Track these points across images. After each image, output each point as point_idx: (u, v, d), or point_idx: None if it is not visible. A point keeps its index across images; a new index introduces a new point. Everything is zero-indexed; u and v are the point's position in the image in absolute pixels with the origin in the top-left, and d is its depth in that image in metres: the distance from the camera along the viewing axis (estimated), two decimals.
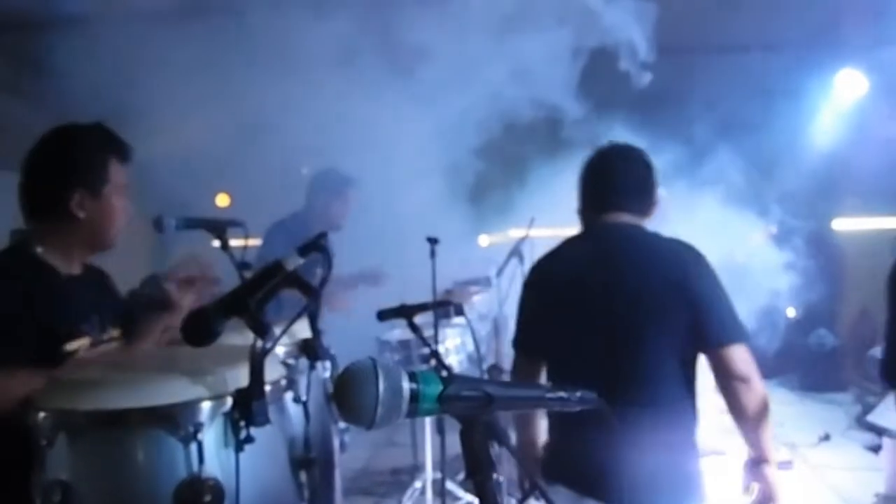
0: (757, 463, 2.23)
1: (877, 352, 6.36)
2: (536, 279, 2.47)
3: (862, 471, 5.01)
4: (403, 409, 0.98)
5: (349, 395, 0.96)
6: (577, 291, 2.29)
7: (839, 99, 6.57)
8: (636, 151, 2.41)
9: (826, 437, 5.73)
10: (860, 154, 6.25)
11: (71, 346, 1.87)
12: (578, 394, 1.15)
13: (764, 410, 2.18)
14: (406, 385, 0.97)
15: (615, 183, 2.36)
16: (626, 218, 2.33)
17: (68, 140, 1.98)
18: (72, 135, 2.00)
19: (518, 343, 2.53)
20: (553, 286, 2.39)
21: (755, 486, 2.24)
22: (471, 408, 1.04)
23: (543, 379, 2.46)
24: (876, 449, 5.05)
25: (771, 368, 7.85)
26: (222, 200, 7.61)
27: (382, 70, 5.13)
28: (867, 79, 6.37)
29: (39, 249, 1.95)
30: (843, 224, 7.47)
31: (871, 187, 6.61)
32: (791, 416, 6.53)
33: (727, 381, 2.17)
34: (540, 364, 2.47)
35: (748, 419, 2.18)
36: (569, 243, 2.43)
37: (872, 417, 5.00)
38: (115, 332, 2.06)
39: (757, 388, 2.17)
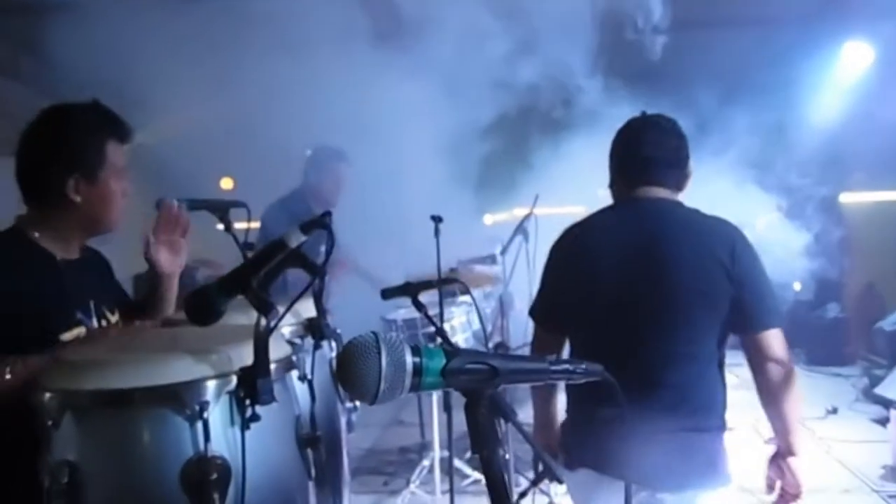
0: (783, 456, 2.19)
1: (883, 324, 6.38)
2: (566, 252, 2.35)
3: (870, 443, 5.02)
4: (407, 384, 0.97)
5: (352, 370, 0.95)
6: (613, 268, 2.19)
7: (845, 71, 6.51)
8: (669, 122, 2.31)
9: (833, 411, 5.74)
10: (866, 127, 6.20)
11: (66, 336, 1.83)
12: (583, 366, 1.13)
13: (795, 393, 2.16)
14: (409, 359, 0.97)
15: (648, 155, 2.26)
16: (663, 193, 2.25)
17: (63, 121, 1.92)
18: (67, 115, 1.93)
19: (539, 315, 2.43)
20: (585, 260, 2.27)
21: (778, 484, 2.21)
22: (475, 381, 1.03)
23: (566, 353, 2.41)
24: (883, 421, 5.06)
25: None
26: (226, 183, 7.61)
27: (387, 49, 5.10)
28: (873, 50, 6.31)
29: (36, 234, 1.90)
30: (850, 197, 7.44)
31: (878, 160, 6.56)
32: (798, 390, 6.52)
33: (763, 363, 2.14)
34: (562, 338, 2.40)
35: (779, 402, 2.15)
36: (602, 216, 2.33)
37: (880, 390, 5.01)
38: (113, 318, 2.02)
39: (790, 370, 2.15)
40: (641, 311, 2.15)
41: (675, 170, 2.29)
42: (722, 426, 2.20)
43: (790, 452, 2.18)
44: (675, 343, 2.14)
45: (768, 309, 2.15)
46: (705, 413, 2.17)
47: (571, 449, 2.29)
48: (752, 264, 2.16)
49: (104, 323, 1.97)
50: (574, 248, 2.33)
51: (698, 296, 2.12)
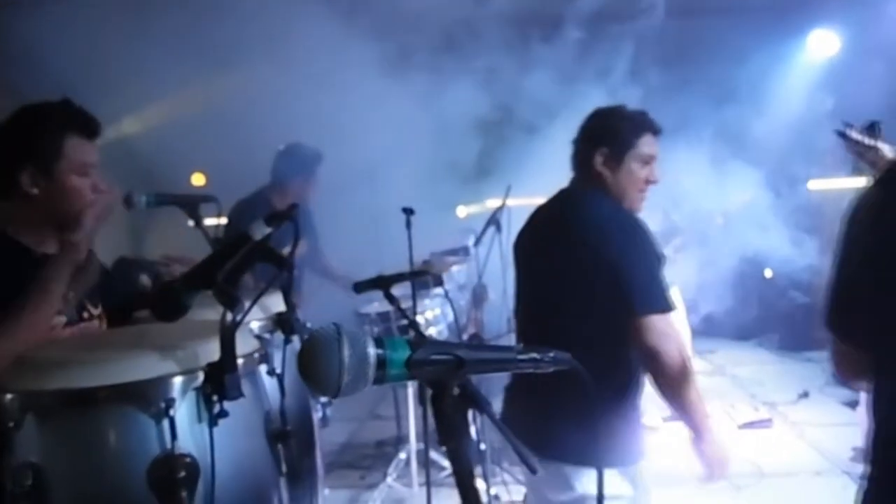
0: (694, 441, 2.20)
1: None
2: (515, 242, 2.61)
3: (840, 426, 5.10)
4: (370, 376, 0.96)
5: (313, 364, 0.94)
6: (519, 252, 2.54)
7: (811, 59, 6.58)
8: (588, 119, 2.41)
9: (805, 395, 5.82)
10: (834, 114, 6.27)
11: None
12: (552, 354, 1.13)
13: (678, 384, 2.10)
14: (372, 351, 0.95)
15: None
16: (575, 185, 2.40)
17: (24, 116, 1.92)
18: (30, 111, 1.93)
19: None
20: (516, 248, 2.59)
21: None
22: (441, 372, 1.02)
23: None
24: (853, 404, 5.13)
25: (751, 329, 7.96)
26: (198, 179, 7.52)
27: (359, 43, 5.07)
28: (839, 38, 6.38)
29: (9, 228, 1.90)
30: (819, 184, 7.52)
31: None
32: (771, 375, 6.62)
33: (639, 350, 2.14)
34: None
35: (661, 392, 2.15)
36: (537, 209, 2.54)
37: None
38: (95, 311, 2.01)
39: (664, 361, 2.08)
40: (530, 294, 2.42)
41: (576, 165, 2.41)
42: (608, 407, 2.06)
43: (696, 437, 2.15)
44: (548, 325, 2.27)
45: (641, 295, 2.08)
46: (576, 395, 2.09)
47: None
48: (623, 250, 2.13)
49: (85, 315, 1.97)
50: (516, 239, 2.60)
51: (569, 283, 2.20)
